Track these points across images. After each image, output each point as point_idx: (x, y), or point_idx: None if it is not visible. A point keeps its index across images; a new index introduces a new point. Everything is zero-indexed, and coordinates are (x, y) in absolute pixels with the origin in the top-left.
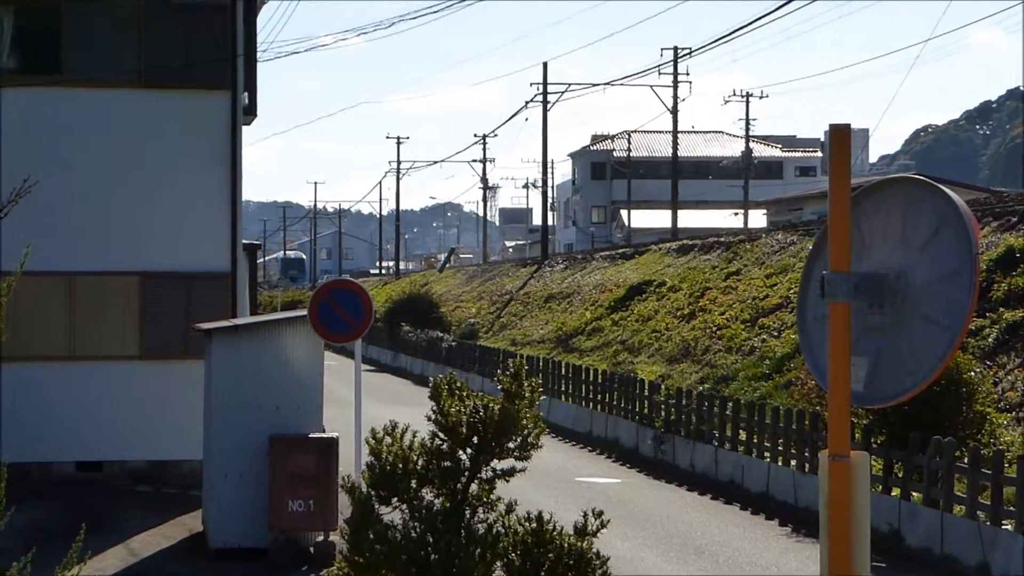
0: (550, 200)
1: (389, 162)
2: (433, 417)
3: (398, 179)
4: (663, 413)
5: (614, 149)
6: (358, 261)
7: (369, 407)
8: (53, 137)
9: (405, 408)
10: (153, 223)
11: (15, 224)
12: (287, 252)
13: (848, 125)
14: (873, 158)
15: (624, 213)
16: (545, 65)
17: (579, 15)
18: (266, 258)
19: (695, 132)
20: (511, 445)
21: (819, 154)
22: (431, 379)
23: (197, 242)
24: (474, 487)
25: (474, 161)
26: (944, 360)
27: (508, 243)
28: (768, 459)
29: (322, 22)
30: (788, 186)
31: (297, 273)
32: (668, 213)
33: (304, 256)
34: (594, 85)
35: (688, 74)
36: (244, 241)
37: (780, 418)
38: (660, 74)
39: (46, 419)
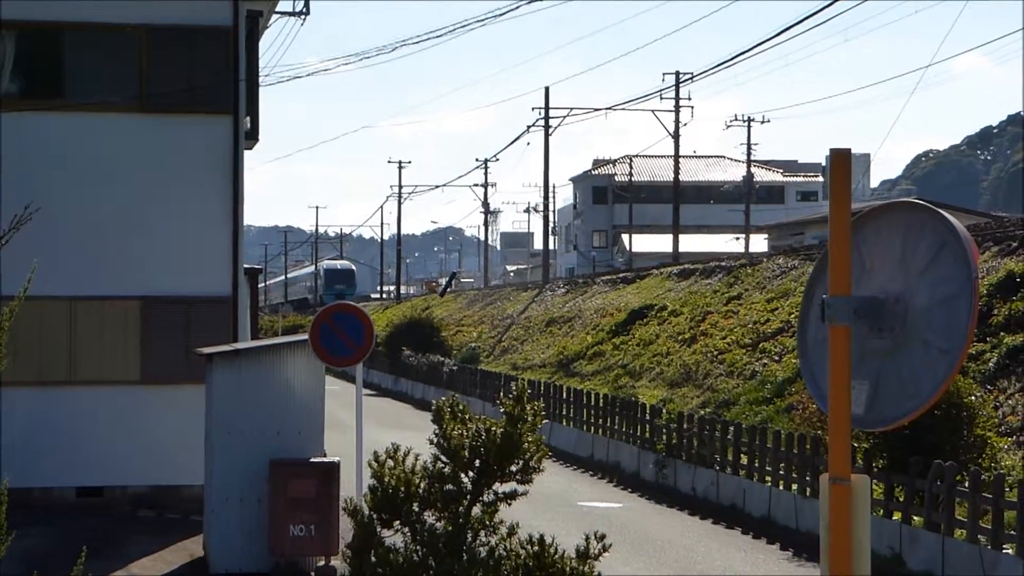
0: (551, 224)
1: (391, 186)
2: (436, 440)
3: (399, 203)
4: (664, 437)
5: (615, 173)
6: (360, 285)
7: (370, 431)
8: (54, 161)
9: (407, 432)
10: (154, 247)
11: (16, 249)
12: (333, 261)
13: (848, 149)
14: (875, 183)
15: (625, 237)
16: (547, 90)
17: (575, 43)
18: (285, 277)
19: (697, 157)
20: (513, 468)
21: (820, 179)
22: (433, 403)
23: (198, 266)
24: (476, 510)
25: (475, 185)
26: (944, 384)
27: (509, 267)
28: (769, 483)
29: (323, 46)
30: (789, 211)
31: (345, 288)
32: (669, 237)
33: (353, 266)
34: (596, 110)
35: (690, 99)
36: (245, 265)
37: (781, 442)
38: (662, 98)
39: (47, 444)
